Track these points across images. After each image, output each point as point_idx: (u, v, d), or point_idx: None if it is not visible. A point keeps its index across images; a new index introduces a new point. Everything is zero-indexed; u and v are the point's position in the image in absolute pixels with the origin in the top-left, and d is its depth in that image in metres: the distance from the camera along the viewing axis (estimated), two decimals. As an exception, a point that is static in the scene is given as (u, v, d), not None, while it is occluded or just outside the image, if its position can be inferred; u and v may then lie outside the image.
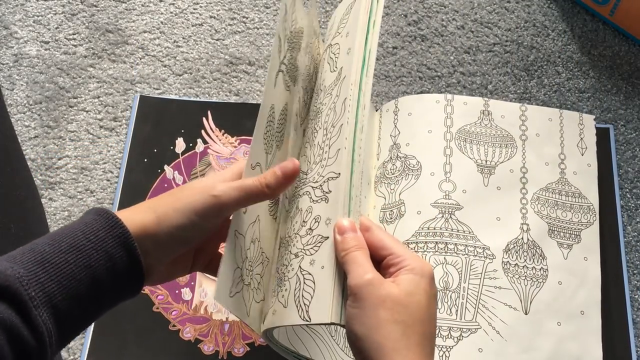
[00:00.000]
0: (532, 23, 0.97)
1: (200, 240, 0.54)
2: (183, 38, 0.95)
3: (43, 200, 0.83)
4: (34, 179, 0.80)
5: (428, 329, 0.49)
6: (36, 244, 0.48)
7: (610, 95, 0.92)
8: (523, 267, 0.76)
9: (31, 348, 0.44)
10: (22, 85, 0.91)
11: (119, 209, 0.63)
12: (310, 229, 0.57)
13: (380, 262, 0.52)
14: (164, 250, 0.52)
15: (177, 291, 0.80)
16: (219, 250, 0.60)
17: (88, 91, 0.91)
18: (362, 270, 0.49)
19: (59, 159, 0.87)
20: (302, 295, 0.54)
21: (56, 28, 0.95)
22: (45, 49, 0.93)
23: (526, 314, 0.74)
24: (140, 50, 0.94)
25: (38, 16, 0.95)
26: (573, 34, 0.96)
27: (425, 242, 0.76)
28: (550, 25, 0.96)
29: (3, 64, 0.92)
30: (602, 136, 0.87)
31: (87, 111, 0.90)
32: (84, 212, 0.51)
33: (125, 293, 0.51)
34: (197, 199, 0.51)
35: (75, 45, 0.94)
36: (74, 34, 0.94)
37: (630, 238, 0.83)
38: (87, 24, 0.95)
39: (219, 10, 0.97)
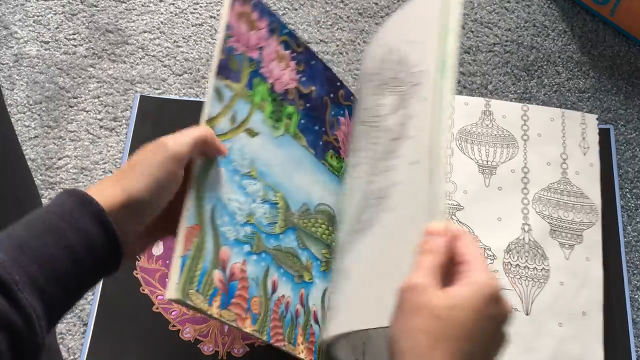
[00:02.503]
0: (532, 23, 0.97)
1: (168, 199, 0.55)
2: (183, 38, 0.95)
3: (43, 200, 0.83)
4: (34, 179, 0.80)
5: (466, 348, 0.45)
6: (12, 230, 0.48)
7: (610, 95, 0.92)
8: (524, 267, 0.76)
9: (21, 331, 0.44)
10: (22, 85, 0.91)
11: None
12: None
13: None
14: (137, 218, 0.52)
15: (177, 291, 0.80)
16: None
17: (88, 91, 0.91)
18: (417, 274, 0.48)
19: (59, 159, 0.87)
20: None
21: (56, 28, 0.95)
22: (45, 49, 0.93)
23: (527, 314, 0.74)
24: (140, 50, 0.94)
25: (38, 16, 0.96)
26: (573, 34, 0.96)
27: None
28: (550, 25, 0.96)
29: (3, 64, 0.92)
30: (603, 136, 0.87)
31: (87, 111, 0.90)
32: (56, 195, 0.51)
33: (105, 269, 0.52)
34: (153, 157, 0.53)
35: (75, 45, 0.94)
36: (74, 34, 0.94)
37: (630, 238, 0.83)
38: (87, 24, 0.95)
39: (219, 10, 0.97)
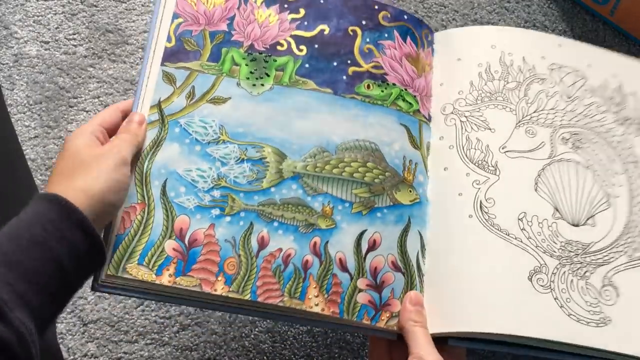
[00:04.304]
0: (532, 23, 0.97)
1: (123, 200, 0.60)
2: (183, 38, 0.95)
3: (43, 200, 0.83)
4: (34, 179, 0.80)
5: None
6: None
7: (610, 95, 0.92)
8: None
9: (14, 348, 0.44)
10: (22, 85, 0.91)
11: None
12: None
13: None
14: (100, 220, 0.55)
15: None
16: None
17: (88, 91, 0.91)
18: (428, 348, 0.57)
19: (59, 159, 0.87)
20: None
21: (56, 28, 0.95)
22: (45, 49, 0.93)
23: None
24: (140, 50, 0.94)
25: (38, 16, 0.96)
26: (573, 34, 0.96)
27: None
28: (550, 25, 0.96)
29: (3, 64, 0.92)
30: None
31: (87, 111, 0.90)
32: (33, 199, 0.52)
33: (90, 271, 0.53)
34: (106, 160, 0.57)
35: (75, 45, 0.94)
36: (74, 34, 0.94)
37: (630, 238, 0.83)
38: (87, 24, 0.95)
39: (219, 10, 0.97)
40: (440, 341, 0.60)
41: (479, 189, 0.67)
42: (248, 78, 0.68)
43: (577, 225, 0.67)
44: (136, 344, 0.78)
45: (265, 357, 0.79)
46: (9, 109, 0.88)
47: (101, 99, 0.91)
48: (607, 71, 0.74)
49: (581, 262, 0.65)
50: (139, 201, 0.61)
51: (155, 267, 0.59)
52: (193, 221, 0.61)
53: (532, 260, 0.64)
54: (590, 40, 0.95)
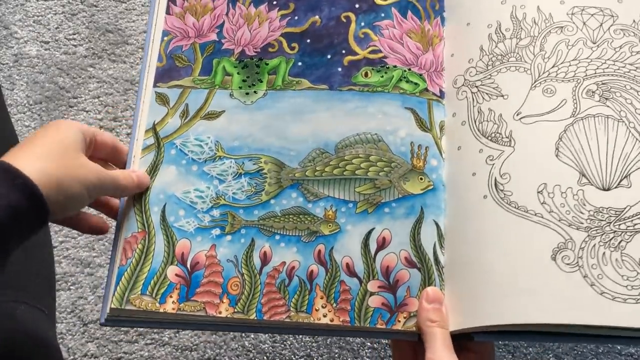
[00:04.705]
0: (532, 23, 0.97)
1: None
2: (183, 38, 0.95)
3: (43, 200, 0.83)
4: (34, 179, 0.80)
5: None
6: None
7: (610, 95, 0.92)
8: None
9: None
10: (22, 85, 0.91)
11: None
12: None
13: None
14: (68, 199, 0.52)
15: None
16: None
17: (88, 91, 0.91)
18: (442, 353, 0.53)
19: (59, 159, 0.87)
20: None
21: (56, 28, 0.95)
22: (45, 49, 0.93)
23: None
24: (140, 50, 0.94)
25: (38, 16, 0.96)
26: (573, 34, 0.96)
27: None
28: (550, 25, 0.96)
29: (3, 64, 0.92)
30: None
31: (87, 111, 0.90)
32: None
33: (29, 236, 0.51)
34: (93, 176, 0.54)
35: (75, 45, 0.94)
36: (74, 34, 0.94)
37: (631, 238, 0.83)
38: (87, 24, 0.95)
39: (219, 10, 0.97)
40: (466, 337, 0.56)
41: (493, 165, 0.61)
42: (241, 87, 0.67)
43: (608, 189, 0.60)
44: (136, 344, 0.78)
45: (265, 357, 0.79)
46: (9, 109, 0.88)
47: (101, 99, 0.91)
48: None
49: (615, 231, 0.58)
50: (139, 230, 0.60)
51: (159, 296, 0.58)
52: (194, 244, 0.61)
53: (555, 236, 0.58)
54: (591, 40, 0.95)
